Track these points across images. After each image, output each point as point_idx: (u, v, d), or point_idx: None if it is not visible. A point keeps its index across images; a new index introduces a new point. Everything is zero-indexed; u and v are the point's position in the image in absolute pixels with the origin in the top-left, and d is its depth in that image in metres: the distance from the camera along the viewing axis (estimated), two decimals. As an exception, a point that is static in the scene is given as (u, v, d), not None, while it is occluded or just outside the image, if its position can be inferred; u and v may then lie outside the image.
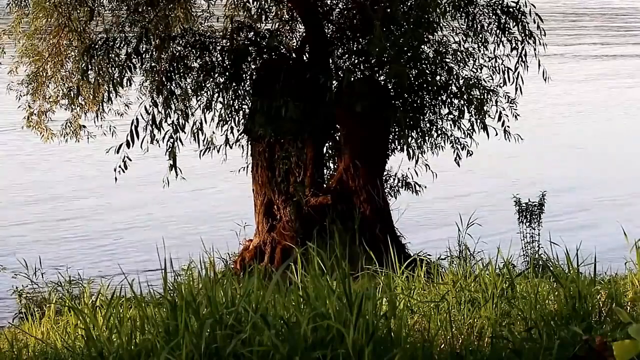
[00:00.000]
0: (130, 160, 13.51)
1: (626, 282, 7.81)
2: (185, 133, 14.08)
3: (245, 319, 5.77)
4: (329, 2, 14.96)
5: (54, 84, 15.58)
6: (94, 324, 6.37)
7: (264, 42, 14.37)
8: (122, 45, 14.17)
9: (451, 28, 14.55)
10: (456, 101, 14.27)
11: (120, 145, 13.38)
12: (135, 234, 19.19)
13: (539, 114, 29.09)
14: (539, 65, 13.94)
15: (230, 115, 14.62)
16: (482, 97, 14.27)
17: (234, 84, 14.45)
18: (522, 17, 14.20)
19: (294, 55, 14.64)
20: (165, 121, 13.80)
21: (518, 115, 14.60)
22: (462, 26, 14.48)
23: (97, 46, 14.10)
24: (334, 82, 14.22)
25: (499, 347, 6.23)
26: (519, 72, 14.12)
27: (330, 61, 14.50)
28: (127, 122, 13.75)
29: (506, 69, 14.29)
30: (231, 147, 14.87)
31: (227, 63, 14.36)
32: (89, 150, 21.25)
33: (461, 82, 14.11)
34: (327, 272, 6.08)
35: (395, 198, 15.26)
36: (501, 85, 14.51)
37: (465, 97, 14.11)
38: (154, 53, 14.11)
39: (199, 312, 5.80)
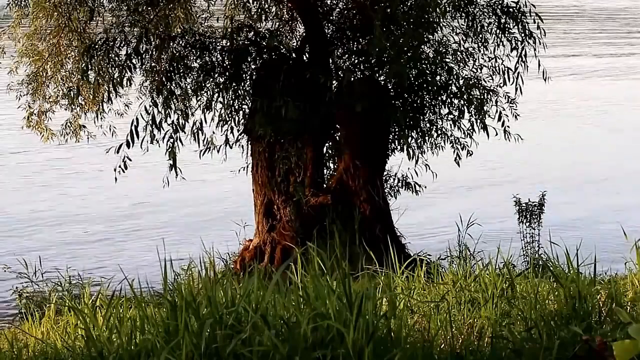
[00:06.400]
0: (130, 160, 13.53)
1: (626, 282, 7.81)
2: (185, 133, 14.08)
3: (245, 319, 5.77)
4: (329, 2, 14.96)
5: (54, 84, 15.56)
6: (94, 324, 6.37)
7: (264, 42, 14.37)
8: (122, 45, 14.17)
9: (451, 28, 14.55)
10: (456, 101, 14.26)
11: (120, 145, 13.38)
12: (135, 233, 19.19)
13: (539, 113, 29.07)
14: (539, 65, 13.95)
15: (230, 115, 14.63)
16: (482, 97, 14.28)
17: (234, 84, 14.45)
18: (522, 17, 14.20)
19: (294, 55, 14.64)
20: (165, 121, 13.80)
21: (518, 115, 14.60)
22: (462, 26, 14.48)
23: (97, 46, 14.09)
24: (334, 82, 14.22)
25: (499, 347, 6.23)
26: (519, 72, 14.12)
27: (330, 61, 14.50)
28: (127, 122, 13.76)
29: (506, 69, 14.30)
30: (231, 147, 14.87)
31: (227, 63, 14.36)
32: (89, 150, 21.26)
33: (461, 82, 14.10)
34: (327, 272, 6.09)
35: (395, 198, 15.26)
36: (501, 85, 14.51)
37: (465, 97, 14.10)
38: (154, 53, 14.11)
39: (199, 312, 5.80)
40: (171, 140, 13.83)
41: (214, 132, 14.67)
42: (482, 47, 14.43)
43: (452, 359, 6.08)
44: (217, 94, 14.42)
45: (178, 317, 5.76)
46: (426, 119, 14.44)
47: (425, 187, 15.26)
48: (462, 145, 14.69)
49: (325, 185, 14.77)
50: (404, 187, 15.28)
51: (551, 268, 7.78)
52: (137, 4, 14.05)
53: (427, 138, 14.57)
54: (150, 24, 14.06)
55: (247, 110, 14.61)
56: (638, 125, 29.12)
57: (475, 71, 14.52)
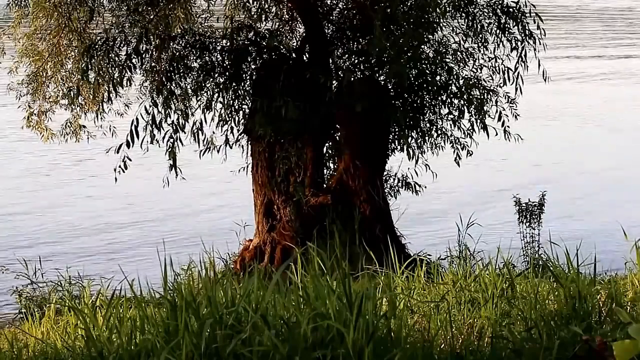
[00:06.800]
0: (130, 160, 13.53)
1: (626, 282, 7.81)
2: (185, 133, 14.08)
3: (245, 319, 5.77)
4: (329, 2, 14.96)
5: (54, 84, 15.56)
6: (94, 324, 6.37)
7: (264, 42, 14.37)
8: (122, 45, 14.17)
9: (451, 28, 14.55)
10: (456, 101, 14.27)
11: (120, 145, 13.39)
12: (135, 233, 19.19)
13: (539, 113, 29.08)
14: (539, 65, 13.95)
15: (230, 115, 14.63)
16: (482, 97, 14.28)
17: (234, 84, 14.45)
18: (522, 17, 14.20)
19: (294, 55, 14.64)
20: (165, 121, 13.80)
21: (518, 115, 14.61)
22: (462, 26, 14.48)
23: (97, 46, 14.09)
24: (334, 82, 14.22)
25: (499, 347, 6.23)
26: (519, 72, 14.12)
27: (330, 61, 14.50)
28: (127, 122, 13.76)
29: (506, 69, 14.30)
30: (231, 147, 14.87)
31: (227, 63, 14.36)
32: (87, 150, 21.28)
33: (461, 82, 14.10)
34: (327, 272, 6.09)
35: (395, 198, 15.26)
36: (501, 85, 14.51)
37: (465, 97, 14.10)
38: (154, 53, 14.11)
39: (199, 312, 5.80)
40: (171, 140, 13.84)
41: (214, 132, 14.67)
42: (482, 47, 14.43)
43: (452, 359, 6.08)
44: (217, 94, 14.42)
45: (178, 317, 5.76)
46: (426, 119, 14.44)
47: (425, 187, 15.26)
48: (462, 145, 14.68)
49: (325, 185, 14.76)
50: (404, 187, 15.28)
51: (551, 268, 7.78)
52: (137, 4, 14.05)
53: (427, 138, 14.57)
54: (150, 24, 14.06)
55: (247, 110, 14.61)
56: (638, 125, 29.13)
57: (475, 71, 14.52)
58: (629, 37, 48.02)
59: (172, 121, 13.90)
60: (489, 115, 14.38)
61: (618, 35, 48.68)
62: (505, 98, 14.58)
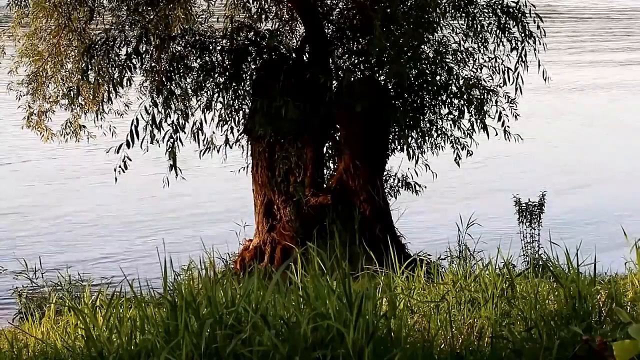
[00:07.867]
0: (130, 160, 13.53)
1: (626, 282, 7.81)
2: (185, 133, 14.09)
3: (245, 319, 5.77)
4: (329, 2, 14.96)
5: (54, 84, 15.56)
6: (94, 324, 6.37)
7: (264, 42, 14.37)
8: (122, 45, 14.18)
9: (451, 28, 14.55)
10: (456, 101, 14.27)
11: (120, 145, 13.39)
12: (135, 233, 19.18)
13: (539, 113, 29.07)
14: (539, 65, 13.95)
15: (230, 115, 14.63)
16: (482, 97, 14.28)
17: (234, 84, 14.45)
18: (522, 17, 14.20)
19: (294, 55, 14.64)
20: (165, 121, 13.81)
21: (518, 115, 14.61)
22: (462, 26, 14.48)
23: (97, 46, 14.09)
24: (334, 82, 14.22)
25: (499, 347, 6.23)
26: (519, 72, 14.13)
27: (330, 61, 14.50)
28: (127, 122, 13.76)
29: (506, 69, 14.30)
30: (231, 147, 14.88)
31: (227, 63, 14.37)
32: (88, 150, 21.28)
33: (461, 82, 14.10)
34: (327, 272, 6.09)
35: (395, 198, 15.26)
36: (501, 85, 14.51)
37: (465, 97, 14.11)
38: (154, 53, 14.11)
39: (199, 312, 5.80)
40: (171, 140, 13.84)
41: (214, 132, 14.67)
42: (482, 47, 14.44)
43: (452, 359, 6.08)
44: (217, 94, 14.43)
45: (178, 317, 5.76)
46: (426, 119, 14.45)
47: (425, 187, 15.26)
48: (462, 145, 14.69)
49: (325, 185, 14.77)
50: (404, 187, 15.28)
51: (551, 268, 7.78)
52: (137, 4, 14.05)
53: (427, 138, 14.57)
54: (150, 24, 14.06)
55: (247, 110, 14.61)
56: (638, 126, 29.13)
57: (475, 71, 14.53)
58: (630, 37, 47.99)
59: (172, 121, 13.90)
60: (489, 115, 14.39)
61: (621, 35, 48.66)
62: (505, 98, 14.59)
